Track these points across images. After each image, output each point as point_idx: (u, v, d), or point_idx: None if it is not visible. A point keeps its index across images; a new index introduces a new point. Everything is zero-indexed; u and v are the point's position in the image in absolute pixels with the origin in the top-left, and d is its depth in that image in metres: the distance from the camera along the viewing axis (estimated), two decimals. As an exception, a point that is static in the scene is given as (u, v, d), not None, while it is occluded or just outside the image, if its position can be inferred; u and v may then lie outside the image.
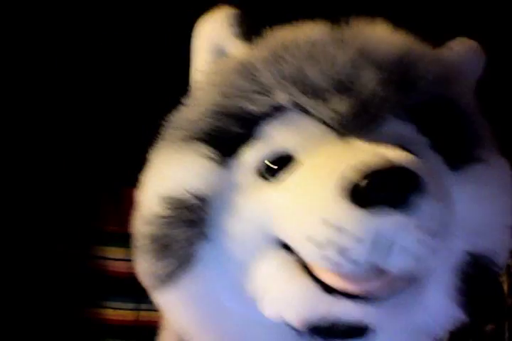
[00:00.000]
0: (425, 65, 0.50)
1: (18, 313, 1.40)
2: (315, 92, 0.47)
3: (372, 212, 0.39)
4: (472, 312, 0.50)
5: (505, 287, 0.89)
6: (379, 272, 0.41)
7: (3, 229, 1.38)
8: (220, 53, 0.57)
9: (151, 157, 0.55)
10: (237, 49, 0.55)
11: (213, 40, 0.57)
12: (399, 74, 0.48)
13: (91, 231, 1.47)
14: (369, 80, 0.47)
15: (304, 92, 0.47)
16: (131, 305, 1.47)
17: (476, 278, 0.49)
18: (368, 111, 0.46)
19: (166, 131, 0.55)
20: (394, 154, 0.41)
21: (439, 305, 0.49)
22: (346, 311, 0.42)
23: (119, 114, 1.38)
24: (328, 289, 0.43)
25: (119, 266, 1.42)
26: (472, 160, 0.50)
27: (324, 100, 0.47)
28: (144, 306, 1.41)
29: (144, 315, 1.43)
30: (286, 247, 0.46)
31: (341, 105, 0.46)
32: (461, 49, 0.57)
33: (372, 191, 0.39)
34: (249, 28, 0.56)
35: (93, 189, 1.44)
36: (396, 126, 0.48)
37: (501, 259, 0.50)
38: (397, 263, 0.41)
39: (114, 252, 1.43)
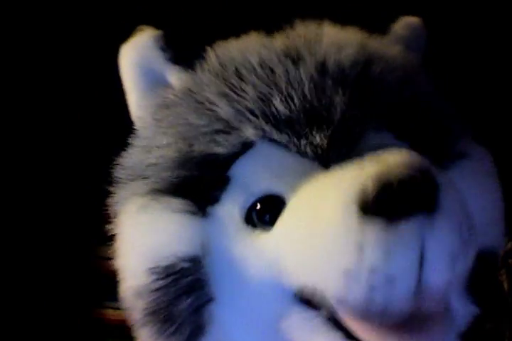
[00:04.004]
0: (386, 68, 0.46)
1: (19, 313, 1.39)
2: (287, 126, 0.43)
3: (396, 219, 0.34)
4: (483, 303, 0.50)
5: (506, 286, 0.89)
6: (423, 291, 0.36)
7: (5, 229, 1.36)
8: (157, 82, 0.51)
9: (118, 215, 0.50)
10: (178, 77, 0.50)
11: (146, 68, 0.51)
12: (364, 86, 0.45)
13: (91, 231, 1.43)
14: (339, 104, 0.43)
15: (276, 126, 0.43)
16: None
17: (482, 274, 0.47)
18: (346, 136, 0.43)
19: (122, 178, 0.50)
20: (394, 155, 0.36)
21: (456, 306, 0.47)
22: None
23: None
24: None
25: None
26: (455, 157, 0.48)
27: (299, 134, 0.43)
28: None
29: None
30: (305, 301, 0.41)
31: (318, 138, 0.42)
32: (406, 31, 0.54)
33: (388, 197, 0.34)
34: (184, 50, 0.50)
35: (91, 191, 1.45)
36: (374, 139, 0.45)
37: (499, 250, 0.50)
38: (438, 272, 0.35)
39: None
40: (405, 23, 0.54)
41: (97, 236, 1.43)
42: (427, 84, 0.50)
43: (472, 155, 0.48)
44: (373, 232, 0.34)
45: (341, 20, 0.51)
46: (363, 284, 0.35)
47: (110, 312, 1.48)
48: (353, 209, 0.35)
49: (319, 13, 0.50)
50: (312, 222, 0.38)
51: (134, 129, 0.52)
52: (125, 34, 0.53)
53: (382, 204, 0.34)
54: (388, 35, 0.54)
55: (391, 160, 0.36)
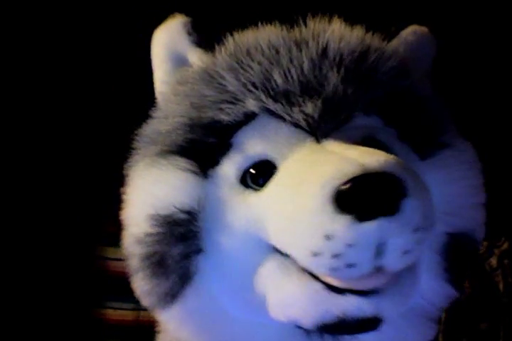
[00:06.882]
0: (382, 60, 0.51)
1: (20, 313, 1.41)
2: (284, 97, 0.48)
3: (362, 219, 0.40)
4: (459, 286, 0.52)
5: (501, 286, 0.91)
6: (378, 270, 0.42)
7: (6, 230, 1.39)
8: (181, 62, 0.57)
9: (129, 173, 0.55)
10: (199, 57, 0.55)
11: (172, 50, 0.57)
12: (359, 71, 0.49)
13: (91, 231, 1.48)
14: (333, 80, 0.48)
15: (273, 98, 0.48)
16: (131, 305, 1.49)
17: (459, 255, 0.51)
18: (336, 110, 0.47)
19: (139, 145, 0.55)
20: (372, 157, 0.42)
21: (431, 286, 0.51)
22: (355, 307, 0.43)
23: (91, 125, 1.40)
24: (333, 288, 0.43)
25: (120, 266, 1.43)
26: (439, 146, 0.51)
27: (293, 104, 0.48)
28: (144, 306, 1.43)
29: (144, 315, 1.43)
30: (283, 253, 0.46)
31: (310, 108, 0.47)
32: (413, 37, 0.58)
33: (359, 198, 0.40)
34: (208, 36, 0.56)
35: (93, 191, 1.45)
36: (364, 121, 0.49)
37: (478, 234, 0.52)
38: (392, 262, 0.42)
39: (114, 252, 1.45)
40: (413, 30, 0.59)
41: (98, 236, 1.46)
42: (422, 80, 0.54)
43: (455, 146, 0.52)
44: (341, 226, 0.40)
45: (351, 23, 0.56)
46: (326, 265, 0.42)
47: (110, 312, 1.50)
48: (329, 203, 0.41)
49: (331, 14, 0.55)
50: (294, 197, 0.44)
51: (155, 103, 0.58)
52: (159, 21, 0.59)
53: (353, 205, 0.40)
54: (395, 39, 0.58)
55: (369, 161, 0.41)
